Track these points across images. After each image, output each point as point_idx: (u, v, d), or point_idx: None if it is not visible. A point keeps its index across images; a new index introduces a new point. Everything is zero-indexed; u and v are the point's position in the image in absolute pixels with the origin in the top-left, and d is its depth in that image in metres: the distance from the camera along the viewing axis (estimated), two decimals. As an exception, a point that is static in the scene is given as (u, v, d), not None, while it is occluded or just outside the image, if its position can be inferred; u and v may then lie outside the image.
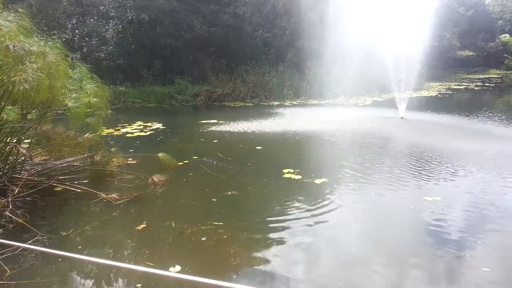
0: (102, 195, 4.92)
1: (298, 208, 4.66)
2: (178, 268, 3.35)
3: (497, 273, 3.27)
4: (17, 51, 4.37)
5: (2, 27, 4.44)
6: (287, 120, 10.98)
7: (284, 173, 5.84)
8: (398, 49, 11.79)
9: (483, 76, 27.91)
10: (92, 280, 3.23)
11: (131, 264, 3.27)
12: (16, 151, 5.10)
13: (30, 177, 5.28)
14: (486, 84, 22.56)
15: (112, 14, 17.31)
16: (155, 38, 16.82)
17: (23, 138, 5.44)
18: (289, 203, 4.82)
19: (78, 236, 4.01)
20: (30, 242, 3.72)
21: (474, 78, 26.20)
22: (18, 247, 3.29)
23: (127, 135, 9.07)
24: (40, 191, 5.02)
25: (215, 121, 10.95)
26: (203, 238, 3.89)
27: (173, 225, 4.20)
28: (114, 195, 4.90)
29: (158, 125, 10.27)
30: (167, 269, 3.29)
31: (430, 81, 21.18)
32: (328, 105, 14.56)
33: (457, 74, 28.34)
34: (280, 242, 3.85)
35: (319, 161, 7.07)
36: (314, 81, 16.48)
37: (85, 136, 5.66)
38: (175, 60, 17.24)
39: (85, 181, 5.61)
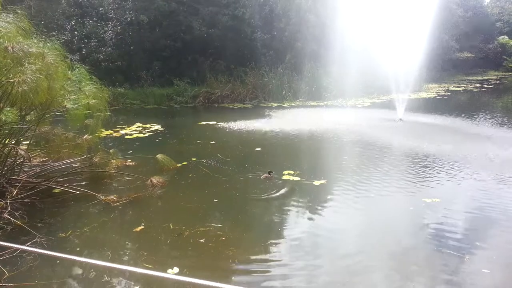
0: (101, 196, 4.92)
1: (297, 209, 4.66)
2: (176, 270, 3.34)
3: (497, 275, 3.27)
4: (16, 53, 4.37)
5: (1, 29, 4.44)
6: (286, 122, 10.98)
7: (283, 175, 5.84)
8: (397, 51, 11.81)
9: (481, 78, 27.99)
10: (91, 282, 3.22)
11: (129, 266, 3.27)
12: (14, 152, 5.09)
13: (28, 179, 5.27)
14: (485, 86, 22.62)
15: (111, 15, 17.31)
16: (154, 40, 16.82)
17: (21, 139, 5.43)
18: (288, 204, 4.82)
19: (77, 238, 4.01)
20: (28, 244, 3.71)
21: (473, 80, 26.27)
22: (17, 249, 3.28)
23: (126, 137, 9.06)
24: (38, 193, 5.00)
25: (214, 122, 10.95)
26: (201, 240, 3.88)
27: (171, 227, 4.20)
28: (112, 197, 4.90)
29: (157, 127, 10.27)
30: (165, 271, 3.29)
31: (429, 82, 21.20)
32: (327, 107, 14.59)
33: (455, 75, 28.39)
34: (279, 244, 3.85)
35: (318, 163, 7.08)
36: (313, 82, 16.49)
37: (84, 137, 5.66)
38: (174, 61, 17.24)
39: (83, 183, 5.61)
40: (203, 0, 17.01)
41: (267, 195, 5.14)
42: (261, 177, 5.80)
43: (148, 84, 16.42)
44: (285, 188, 5.32)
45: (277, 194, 5.14)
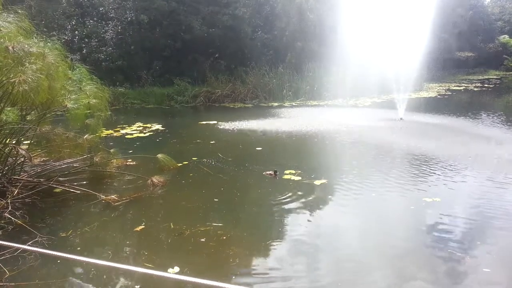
0: (101, 196, 4.92)
1: (298, 208, 4.65)
2: (177, 269, 3.35)
3: (498, 274, 3.27)
4: (17, 52, 4.38)
5: (1, 28, 4.44)
6: (286, 121, 10.99)
7: (284, 174, 5.84)
8: (397, 51, 11.81)
9: (482, 77, 27.96)
10: (91, 281, 3.22)
11: (130, 265, 3.27)
12: (15, 152, 5.09)
13: (29, 179, 5.27)
14: (486, 85, 22.60)
15: (111, 15, 17.32)
16: (154, 39, 16.83)
17: (22, 139, 5.43)
18: (289, 204, 4.81)
19: (77, 238, 4.01)
20: (29, 243, 3.72)
21: (474, 79, 26.24)
22: (18, 248, 3.29)
23: (126, 136, 9.07)
24: (39, 193, 5.01)
25: (215, 122, 10.95)
26: (202, 239, 3.88)
27: (172, 226, 4.20)
28: (113, 197, 4.90)
29: (157, 126, 10.27)
30: (166, 270, 3.29)
31: (430, 82, 21.20)
32: (328, 106, 14.58)
33: (456, 75, 28.38)
34: (280, 243, 3.85)
35: (319, 162, 7.08)
36: (313, 82, 16.50)
37: (85, 137, 5.66)
38: (175, 61, 17.24)
39: (84, 183, 5.61)
40: (203, -1, 17.03)
41: (268, 195, 5.14)
42: (264, 173, 5.87)
43: (149, 83, 16.44)
44: (286, 188, 5.32)
45: (278, 193, 5.14)
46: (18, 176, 5.21)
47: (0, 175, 4.95)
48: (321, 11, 17.18)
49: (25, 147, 5.34)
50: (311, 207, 4.70)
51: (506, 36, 34.77)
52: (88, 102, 5.58)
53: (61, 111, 5.47)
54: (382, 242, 3.86)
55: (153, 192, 5.25)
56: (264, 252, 3.69)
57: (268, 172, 5.87)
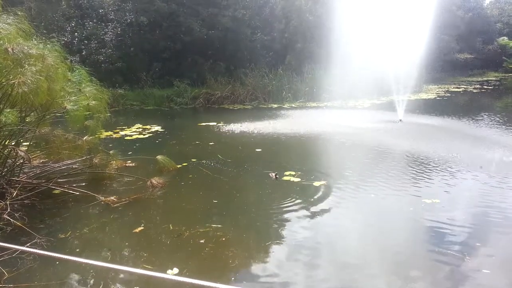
0: (101, 197, 4.92)
1: (297, 210, 4.65)
2: (176, 270, 3.34)
3: (497, 275, 3.27)
4: (16, 54, 4.38)
5: (1, 30, 4.44)
6: (286, 123, 10.99)
7: (284, 175, 5.85)
8: (397, 52, 11.83)
9: (481, 79, 27.96)
10: (90, 283, 3.22)
11: (129, 266, 3.27)
12: (14, 153, 5.09)
13: (28, 180, 5.27)
14: (485, 87, 22.61)
15: (111, 17, 17.35)
16: (154, 41, 16.85)
17: (21, 140, 5.43)
18: (288, 205, 4.81)
19: (76, 239, 4.01)
20: (28, 245, 3.71)
21: (473, 81, 26.25)
22: (16, 250, 3.28)
23: (125, 138, 9.07)
24: (38, 194, 5.00)
25: (214, 123, 10.96)
26: (201, 241, 3.88)
27: (171, 227, 4.20)
28: (112, 198, 4.90)
29: (157, 128, 10.27)
30: (165, 271, 3.29)
31: (429, 83, 21.21)
32: (327, 108, 14.58)
33: (455, 76, 28.39)
34: (279, 245, 3.85)
35: (319, 164, 7.08)
36: (313, 83, 16.50)
37: (84, 138, 5.67)
38: (174, 63, 17.26)
39: (83, 184, 5.61)
40: (203, 1, 17.05)
41: (267, 196, 5.15)
42: (269, 173, 5.91)
43: (148, 85, 16.43)
44: (286, 189, 5.32)
45: (277, 194, 5.14)
46: (17, 178, 5.21)
47: (-1, 177, 4.95)
48: (320, 13, 17.21)
49: (24, 148, 5.34)
50: (311, 208, 4.70)
51: (505, 38, 34.84)
52: (88, 104, 5.59)
53: (60, 113, 5.47)
54: (381, 243, 3.86)
55: (152, 193, 5.25)
56: (263, 253, 3.69)
57: (272, 173, 5.88)
